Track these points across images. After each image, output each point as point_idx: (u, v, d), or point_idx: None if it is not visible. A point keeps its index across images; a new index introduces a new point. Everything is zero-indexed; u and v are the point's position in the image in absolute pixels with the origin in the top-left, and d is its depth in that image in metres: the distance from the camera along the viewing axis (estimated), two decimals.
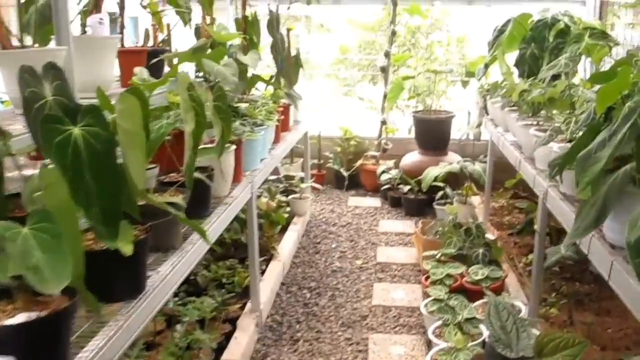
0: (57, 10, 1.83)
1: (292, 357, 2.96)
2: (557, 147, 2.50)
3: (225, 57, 3.55)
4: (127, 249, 1.32)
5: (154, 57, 2.82)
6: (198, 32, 3.84)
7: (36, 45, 2.24)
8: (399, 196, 5.23)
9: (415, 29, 6.35)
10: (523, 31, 4.03)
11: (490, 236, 3.89)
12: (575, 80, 3.69)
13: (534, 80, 3.44)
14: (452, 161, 5.12)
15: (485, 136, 4.62)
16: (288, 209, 4.29)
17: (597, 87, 2.70)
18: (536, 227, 2.72)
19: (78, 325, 1.37)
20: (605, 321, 3.17)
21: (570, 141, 2.56)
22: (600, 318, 3.21)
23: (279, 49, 4.35)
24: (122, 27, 3.11)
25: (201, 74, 3.26)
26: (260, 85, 4.09)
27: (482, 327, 2.75)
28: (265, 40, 4.41)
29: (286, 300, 3.52)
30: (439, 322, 2.84)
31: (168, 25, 3.76)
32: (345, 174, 5.72)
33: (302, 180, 4.86)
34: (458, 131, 6.02)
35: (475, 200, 5.11)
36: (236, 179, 2.66)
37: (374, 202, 5.46)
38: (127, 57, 2.85)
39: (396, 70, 6.22)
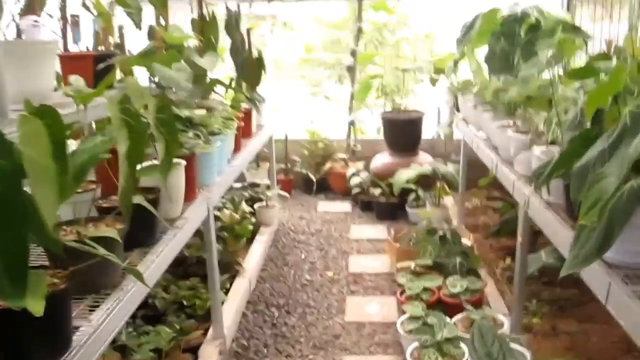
0: None
1: None
2: (539, 152, 2.32)
3: (182, 61, 3.33)
4: (37, 308, 1.07)
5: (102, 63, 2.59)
6: (152, 34, 3.60)
7: None
8: (370, 200, 5.02)
9: (381, 25, 6.15)
10: (492, 26, 3.83)
11: (466, 241, 3.71)
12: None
13: (508, 77, 3.27)
14: (423, 162, 4.94)
15: (457, 135, 4.43)
16: (253, 220, 4.04)
17: (577, 84, 2.52)
18: (519, 240, 2.52)
19: None
20: (589, 329, 3.01)
21: (552, 143, 2.38)
22: (585, 325, 3.05)
23: (239, 50, 4.11)
24: (65, 29, 2.84)
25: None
26: (223, 89, 3.86)
27: (464, 347, 2.55)
28: (226, 41, 4.17)
29: (253, 321, 3.29)
30: (417, 344, 2.63)
31: (121, 28, 3.52)
32: (314, 178, 5.49)
33: (268, 187, 4.62)
34: (428, 129, 5.85)
35: (449, 200, 4.94)
36: (189, 197, 2.41)
37: (344, 206, 5.25)
38: (71, 64, 2.59)
39: (363, 68, 6.01)
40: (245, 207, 4.60)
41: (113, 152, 1.91)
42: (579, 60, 3.22)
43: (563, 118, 2.22)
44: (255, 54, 4.36)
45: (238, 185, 4.85)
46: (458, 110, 4.47)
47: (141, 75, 3.11)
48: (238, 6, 4.55)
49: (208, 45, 3.84)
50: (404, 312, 2.98)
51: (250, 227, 3.90)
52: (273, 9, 7.11)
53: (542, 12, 3.72)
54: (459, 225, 4.32)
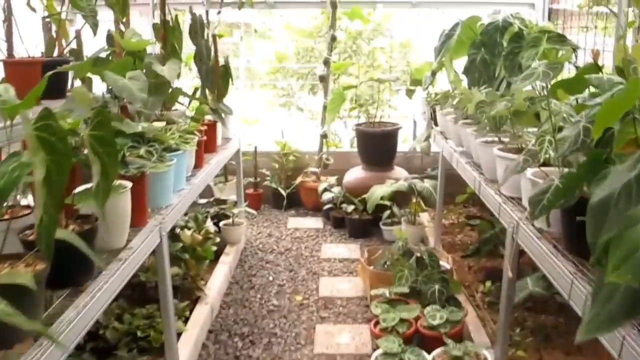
0: None
1: None
2: (531, 174, 2.08)
3: (143, 69, 3.06)
4: None
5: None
6: (110, 39, 3.33)
7: None
8: (342, 216, 4.77)
9: (356, 34, 5.94)
10: (472, 35, 3.64)
11: (445, 264, 3.48)
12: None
13: (491, 89, 3.06)
14: (398, 177, 4.70)
15: (434, 148, 4.21)
16: (218, 239, 3.76)
17: (572, 98, 2.31)
18: (506, 270, 2.28)
19: None
20: None
21: (544, 164, 2.14)
22: (572, 358, 2.83)
23: (204, 58, 3.84)
24: (9, 32, 2.55)
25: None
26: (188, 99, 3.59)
27: None
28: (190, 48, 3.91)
29: (214, 353, 3.00)
30: None
31: (78, 32, 3.25)
32: (284, 192, 5.22)
33: (235, 204, 4.34)
34: (403, 142, 5.63)
35: (425, 217, 4.71)
36: (138, 221, 2.13)
37: (316, 222, 4.99)
38: (15, 70, 2.33)
39: (337, 78, 5.78)
40: (210, 225, 4.32)
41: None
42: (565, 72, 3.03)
43: (560, 135, 1.99)
44: (222, 62, 4.09)
45: (203, 201, 4.57)
46: (436, 123, 4.24)
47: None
48: (207, 12, 4.29)
49: (172, 52, 3.58)
50: (378, 345, 2.73)
51: (214, 248, 3.61)
52: (247, 16, 6.89)
53: (523, 21, 3.52)
54: (436, 244, 4.08)
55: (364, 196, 4.46)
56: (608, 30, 3.79)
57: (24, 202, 1.90)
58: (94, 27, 3.12)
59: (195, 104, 3.69)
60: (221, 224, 4.23)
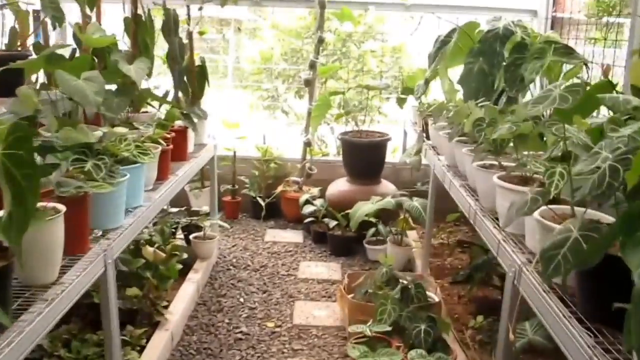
0: None
1: None
2: (538, 213, 1.78)
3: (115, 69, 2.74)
4: None
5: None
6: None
7: None
8: (324, 231, 4.44)
9: (346, 36, 5.63)
10: (470, 43, 3.36)
11: (433, 295, 3.17)
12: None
13: (489, 104, 2.77)
14: (385, 192, 4.39)
15: (425, 162, 3.90)
16: (185, 256, 3.42)
17: (590, 121, 2.00)
18: (504, 323, 1.97)
19: None
20: None
21: (554, 201, 1.83)
22: None
23: (177, 58, 3.52)
24: None
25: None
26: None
27: None
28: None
29: None
30: None
31: (44, 25, 2.95)
32: (263, 202, 4.89)
33: (207, 215, 4.01)
34: (393, 152, 5.33)
35: (412, 235, 4.41)
36: (76, 249, 1.81)
37: (295, 236, 4.66)
38: None
39: (324, 83, 5.47)
40: (180, 237, 4.01)
41: None
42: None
43: (576, 169, 1.68)
44: (198, 61, 3.77)
45: (175, 210, 4.23)
46: (427, 137, 3.94)
47: None
48: (188, 7, 3.96)
49: (144, 50, 3.26)
50: None
51: (179, 266, 3.28)
52: (238, 13, 6.59)
53: (526, 29, 3.23)
54: (423, 268, 3.78)
55: (347, 211, 4.15)
56: (619, 42, 3.49)
57: None
58: (56, 19, 2.80)
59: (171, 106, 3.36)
60: (191, 237, 3.89)
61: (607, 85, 2.26)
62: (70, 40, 3.22)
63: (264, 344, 3.07)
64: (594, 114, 2.32)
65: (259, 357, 2.96)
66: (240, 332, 3.18)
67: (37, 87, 2.48)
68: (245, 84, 6.45)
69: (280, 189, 4.93)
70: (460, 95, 3.33)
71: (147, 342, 2.82)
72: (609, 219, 1.66)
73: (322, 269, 4.06)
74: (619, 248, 1.25)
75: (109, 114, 2.66)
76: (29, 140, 1.36)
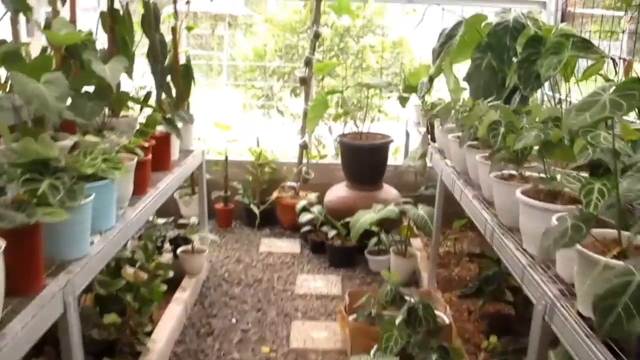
0: None
1: None
2: (580, 246, 1.47)
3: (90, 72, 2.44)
4: None
5: None
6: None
7: None
8: (323, 240, 4.15)
9: (343, 31, 5.33)
10: (477, 37, 3.07)
11: (443, 316, 2.88)
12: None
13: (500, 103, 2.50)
14: (387, 198, 4.10)
15: (429, 164, 3.61)
16: (171, 274, 3.12)
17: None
18: None
19: None
20: None
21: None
22: None
23: (158, 56, 3.21)
24: None
25: None
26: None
27: None
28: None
29: None
30: None
31: (14, 20, 2.66)
32: (257, 210, 4.59)
33: (196, 226, 3.71)
34: (394, 154, 5.04)
35: (417, 243, 4.12)
36: (26, 290, 1.51)
37: (292, 246, 4.36)
38: None
39: (321, 80, 5.16)
40: (166, 251, 3.71)
41: None
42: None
43: (624, 187, 1.39)
44: (183, 60, 3.47)
45: (163, 220, 3.93)
46: (433, 139, 3.65)
47: None
48: (174, 2, 3.67)
49: (123, 47, 2.96)
50: None
51: (164, 287, 2.98)
52: (233, 7, 6.32)
53: (537, 22, 2.96)
54: (430, 282, 3.49)
55: (347, 219, 3.85)
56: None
57: None
58: (16, 11, 2.50)
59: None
60: (179, 251, 3.60)
61: (635, 83, 1.97)
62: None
63: None
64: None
65: None
66: (232, 358, 2.89)
67: None
68: (239, 82, 6.16)
69: (275, 195, 4.64)
70: (466, 94, 3.06)
71: None
72: None
73: (320, 282, 3.77)
74: None
75: (81, 119, 2.36)
76: None
